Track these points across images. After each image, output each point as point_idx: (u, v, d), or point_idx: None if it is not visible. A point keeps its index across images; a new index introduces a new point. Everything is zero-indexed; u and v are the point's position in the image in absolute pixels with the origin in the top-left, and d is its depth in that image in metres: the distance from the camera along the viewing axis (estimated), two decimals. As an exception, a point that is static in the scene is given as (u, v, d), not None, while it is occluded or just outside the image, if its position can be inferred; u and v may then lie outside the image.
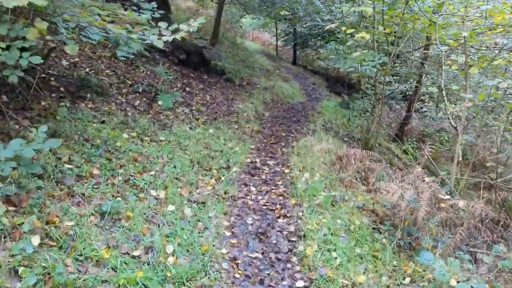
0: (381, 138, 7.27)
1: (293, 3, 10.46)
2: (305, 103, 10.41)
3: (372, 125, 6.68)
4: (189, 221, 3.03)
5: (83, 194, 2.86)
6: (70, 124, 3.69)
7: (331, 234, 3.21)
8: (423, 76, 9.13)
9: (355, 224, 3.40)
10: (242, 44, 16.09)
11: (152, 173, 3.56)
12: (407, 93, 10.80)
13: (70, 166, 3.08)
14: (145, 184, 3.35)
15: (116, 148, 3.71)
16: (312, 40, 15.99)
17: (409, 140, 9.41)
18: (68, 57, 5.64)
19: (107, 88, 5.05)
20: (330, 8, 11.26)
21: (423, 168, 4.21)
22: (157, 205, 3.12)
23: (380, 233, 3.40)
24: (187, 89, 7.02)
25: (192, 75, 8.32)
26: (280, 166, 4.76)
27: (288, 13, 15.00)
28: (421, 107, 11.63)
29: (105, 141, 3.72)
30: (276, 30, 19.49)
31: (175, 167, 3.86)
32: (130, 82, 5.71)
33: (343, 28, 5.54)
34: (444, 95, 5.37)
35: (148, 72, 6.53)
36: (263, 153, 5.25)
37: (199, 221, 3.12)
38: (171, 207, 3.13)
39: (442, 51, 5.45)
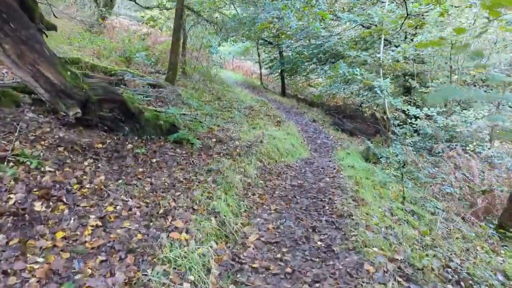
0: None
1: (281, 10, 6.10)
2: (314, 164, 5.90)
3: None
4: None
5: None
6: None
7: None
8: None
9: None
10: (218, 76, 11.71)
11: None
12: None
13: None
14: None
15: None
16: (305, 64, 11.69)
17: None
18: None
19: None
20: (336, 14, 6.95)
21: None
22: None
23: None
24: (51, 203, 2.43)
25: (100, 145, 3.81)
26: None
27: (273, 31, 10.72)
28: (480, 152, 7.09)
29: None
30: (259, 56, 15.26)
31: None
32: None
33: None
34: None
35: None
36: None
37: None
38: None
39: None
